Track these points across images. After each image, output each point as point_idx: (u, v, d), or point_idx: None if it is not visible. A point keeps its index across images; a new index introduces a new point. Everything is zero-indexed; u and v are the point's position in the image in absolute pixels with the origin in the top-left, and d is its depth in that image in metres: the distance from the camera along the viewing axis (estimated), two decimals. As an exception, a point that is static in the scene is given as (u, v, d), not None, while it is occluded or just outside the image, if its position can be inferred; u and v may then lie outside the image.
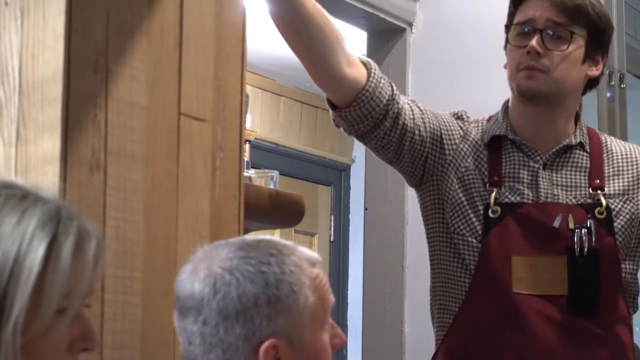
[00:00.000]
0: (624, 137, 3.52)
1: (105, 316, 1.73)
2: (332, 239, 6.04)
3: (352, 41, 3.86)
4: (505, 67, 2.20)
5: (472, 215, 2.12)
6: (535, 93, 2.13)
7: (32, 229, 1.24)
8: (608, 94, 3.52)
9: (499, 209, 2.10)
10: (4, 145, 1.71)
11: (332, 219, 6.06)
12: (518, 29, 2.15)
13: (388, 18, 3.70)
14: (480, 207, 2.11)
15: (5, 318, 1.20)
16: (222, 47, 2.00)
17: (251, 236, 1.57)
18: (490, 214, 2.10)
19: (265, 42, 4.96)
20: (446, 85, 3.64)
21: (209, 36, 1.97)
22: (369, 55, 3.81)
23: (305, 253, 1.52)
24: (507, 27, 2.19)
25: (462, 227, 2.13)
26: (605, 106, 3.50)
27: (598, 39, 2.16)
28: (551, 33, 2.11)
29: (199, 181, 1.93)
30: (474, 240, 2.11)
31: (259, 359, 1.44)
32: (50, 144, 1.67)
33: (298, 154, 5.86)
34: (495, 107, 2.30)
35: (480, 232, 2.10)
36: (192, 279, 1.48)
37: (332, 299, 1.54)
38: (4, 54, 1.73)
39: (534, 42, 2.09)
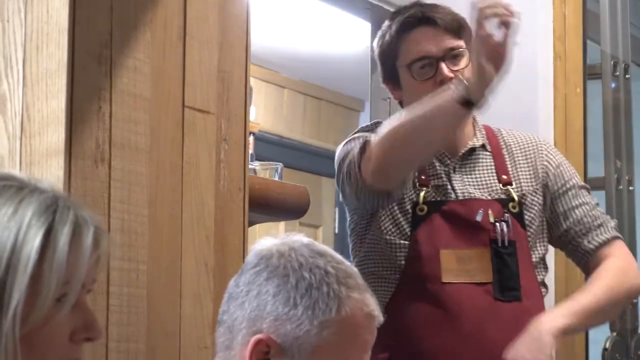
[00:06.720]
0: (628, 128, 3.52)
1: (111, 309, 1.73)
2: (336, 231, 6.03)
3: (356, 33, 3.85)
4: (397, 99, 2.32)
5: (400, 217, 2.23)
6: None
7: (29, 219, 1.24)
8: (613, 85, 3.51)
9: (425, 207, 2.23)
10: (9, 138, 1.71)
11: (337, 211, 6.05)
12: (418, 65, 2.23)
13: (392, 9, 3.68)
14: (409, 207, 2.23)
15: (4, 308, 1.20)
16: (226, 39, 2.00)
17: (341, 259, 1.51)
18: (418, 212, 2.23)
19: (269, 34, 4.96)
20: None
21: (212, 28, 1.97)
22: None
23: (369, 302, 1.45)
24: (392, 59, 2.28)
25: (391, 227, 2.24)
26: (610, 97, 3.49)
27: (469, 42, 2.25)
28: (451, 57, 2.22)
29: (204, 173, 1.93)
30: (403, 241, 2.22)
31: (248, 345, 1.40)
32: (54, 136, 1.67)
33: (302, 146, 5.84)
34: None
35: (408, 232, 2.22)
36: (271, 245, 1.46)
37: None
38: (8, 46, 1.73)
39: (445, 71, 2.20)
